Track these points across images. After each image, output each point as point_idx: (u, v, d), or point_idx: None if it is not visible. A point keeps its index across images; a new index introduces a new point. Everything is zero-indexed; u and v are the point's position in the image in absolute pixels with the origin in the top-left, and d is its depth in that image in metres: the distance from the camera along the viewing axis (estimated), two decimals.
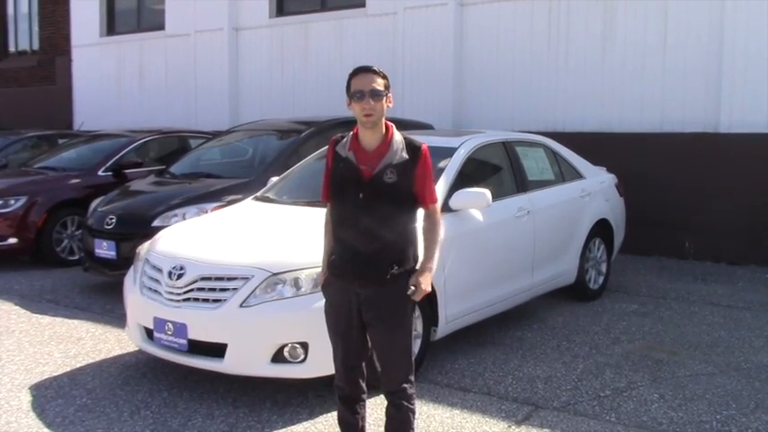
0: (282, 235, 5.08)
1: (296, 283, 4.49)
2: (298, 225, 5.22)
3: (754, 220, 8.65)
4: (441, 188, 5.45)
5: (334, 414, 4.42)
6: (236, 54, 13.82)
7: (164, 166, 9.04)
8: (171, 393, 4.82)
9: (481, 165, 6.21)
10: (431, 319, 5.08)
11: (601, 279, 7.29)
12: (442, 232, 3.63)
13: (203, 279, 4.62)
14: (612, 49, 9.72)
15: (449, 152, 5.81)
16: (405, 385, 3.49)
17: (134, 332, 5.07)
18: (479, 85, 10.90)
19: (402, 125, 8.91)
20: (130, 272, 5.33)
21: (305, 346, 4.44)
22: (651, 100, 9.45)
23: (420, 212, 3.44)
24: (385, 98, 3.31)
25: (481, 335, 5.90)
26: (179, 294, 4.66)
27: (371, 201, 3.30)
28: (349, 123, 8.77)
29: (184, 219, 6.92)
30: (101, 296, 7.39)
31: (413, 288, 3.35)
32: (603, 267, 7.33)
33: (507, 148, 6.41)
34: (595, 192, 7.17)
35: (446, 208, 5.18)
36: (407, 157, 3.33)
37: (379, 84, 3.29)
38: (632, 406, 4.59)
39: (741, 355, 5.59)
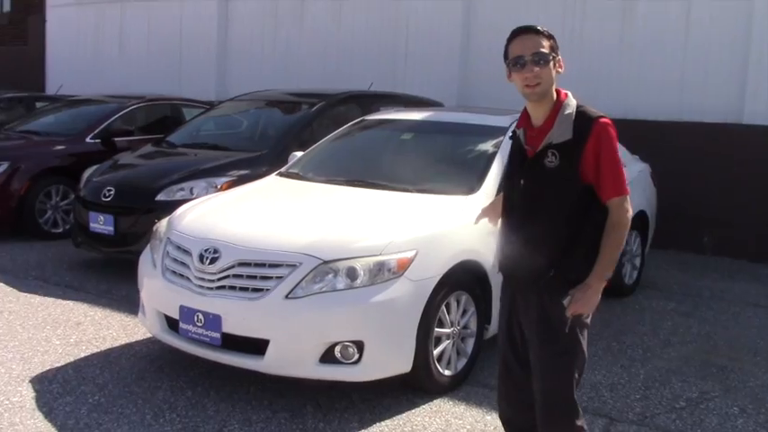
0: (330, 217, 4.51)
1: (350, 274, 3.93)
2: (345, 207, 4.67)
3: None
4: (494, 172, 4.96)
5: (388, 422, 3.95)
6: (225, 20, 13.16)
7: (160, 135, 8.34)
8: (195, 392, 4.25)
9: None
10: (485, 315, 4.60)
11: (635, 274, 6.84)
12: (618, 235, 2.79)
13: (241, 264, 4.04)
14: (631, 29, 9.25)
15: (498, 131, 5.30)
16: None
17: (152, 321, 4.46)
18: (487, 63, 10.28)
19: (409, 102, 8.48)
20: (147, 253, 4.71)
21: (359, 345, 3.90)
22: (671, 87, 9.02)
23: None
24: (553, 62, 2.75)
25: None
26: (212, 281, 4.07)
27: (533, 188, 2.76)
28: (359, 98, 8.23)
29: (192, 193, 6.33)
30: (94, 275, 6.74)
31: (568, 298, 2.73)
32: (637, 261, 6.89)
33: None
34: (635, 181, 6.68)
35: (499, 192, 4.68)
36: (572, 135, 2.70)
37: (544, 46, 2.73)
38: (716, 421, 4.14)
39: None
